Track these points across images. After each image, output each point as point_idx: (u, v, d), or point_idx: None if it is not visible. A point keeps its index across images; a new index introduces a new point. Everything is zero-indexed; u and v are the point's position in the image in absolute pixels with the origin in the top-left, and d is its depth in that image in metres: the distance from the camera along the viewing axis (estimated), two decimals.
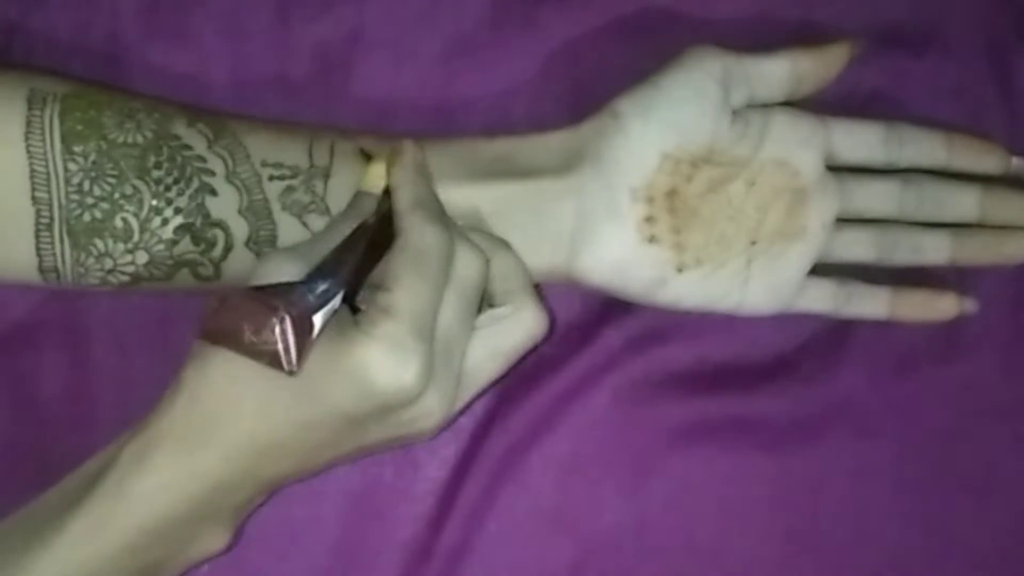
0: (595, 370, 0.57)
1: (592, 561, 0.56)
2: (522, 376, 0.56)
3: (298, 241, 0.49)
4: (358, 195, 0.48)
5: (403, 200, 0.46)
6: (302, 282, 0.43)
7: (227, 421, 0.43)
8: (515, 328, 0.47)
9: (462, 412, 0.48)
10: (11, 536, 0.45)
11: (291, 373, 0.41)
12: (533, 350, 0.48)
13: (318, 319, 0.42)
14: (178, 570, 0.47)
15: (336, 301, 0.43)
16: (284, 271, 0.44)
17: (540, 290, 0.49)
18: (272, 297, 0.41)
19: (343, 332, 0.43)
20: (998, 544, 0.58)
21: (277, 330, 0.41)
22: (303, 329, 0.41)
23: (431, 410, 0.45)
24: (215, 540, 0.47)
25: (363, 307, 0.44)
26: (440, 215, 0.47)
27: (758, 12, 0.57)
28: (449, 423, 0.47)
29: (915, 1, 0.58)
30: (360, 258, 0.45)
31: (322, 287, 0.43)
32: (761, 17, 0.57)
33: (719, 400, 0.57)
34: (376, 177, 0.48)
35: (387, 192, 0.48)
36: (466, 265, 0.46)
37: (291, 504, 0.55)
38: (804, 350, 0.57)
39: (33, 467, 0.55)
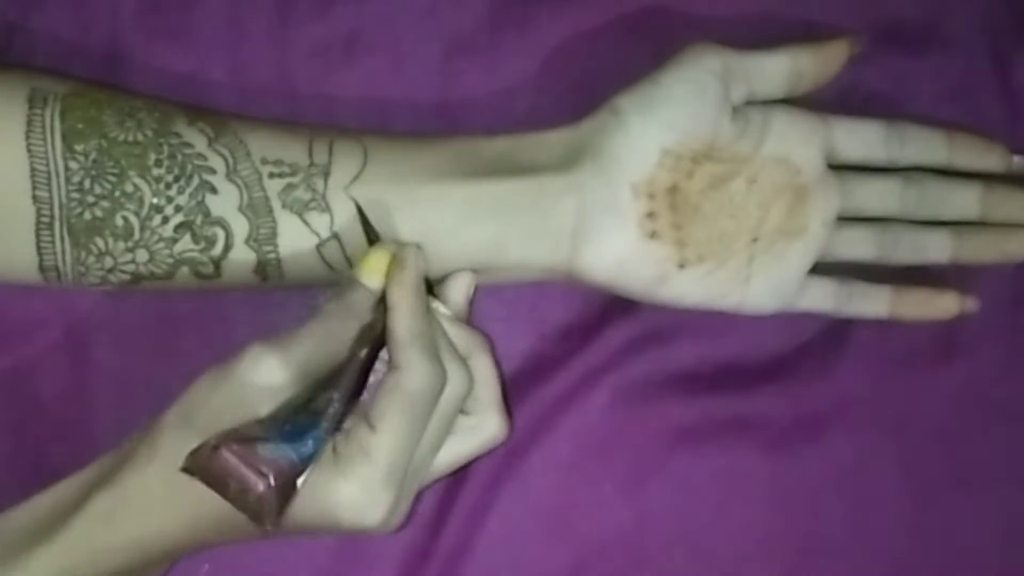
0: (595, 370, 0.57)
1: (592, 561, 0.56)
2: (522, 376, 0.56)
3: (278, 335, 0.47)
4: (352, 286, 0.48)
5: (400, 328, 0.46)
6: (292, 429, 0.44)
7: (198, 500, 0.44)
8: (477, 438, 0.49)
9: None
10: (24, 521, 0.46)
11: (270, 530, 0.43)
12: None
13: (301, 480, 0.43)
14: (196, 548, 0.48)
15: (321, 450, 0.44)
16: (267, 369, 0.44)
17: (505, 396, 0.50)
18: (260, 462, 0.42)
19: (320, 465, 0.44)
20: (997, 544, 0.58)
21: (262, 494, 0.42)
22: (286, 492, 0.43)
23: (384, 527, 0.46)
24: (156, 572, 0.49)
25: (345, 427, 0.45)
26: (434, 348, 0.47)
27: (758, 10, 0.57)
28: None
29: (916, 0, 0.58)
30: (353, 385, 0.46)
31: (310, 436, 0.43)
32: (761, 15, 0.58)
33: (719, 400, 0.57)
34: (376, 272, 0.48)
35: (382, 299, 0.48)
36: (453, 389, 0.47)
37: None
38: (804, 350, 0.57)
39: (33, 467, 0.55)
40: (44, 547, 0.45)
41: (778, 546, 0.57)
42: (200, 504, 0.44)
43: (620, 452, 0.57)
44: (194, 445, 0.42)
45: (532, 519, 0.56)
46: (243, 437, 0.42)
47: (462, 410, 0.48)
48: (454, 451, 0.48)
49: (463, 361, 0.48)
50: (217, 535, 0.46)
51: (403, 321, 0.46)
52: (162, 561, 0.48)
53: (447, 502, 0.56)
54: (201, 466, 0.42)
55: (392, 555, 0.56)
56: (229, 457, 0.42)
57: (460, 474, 0.51)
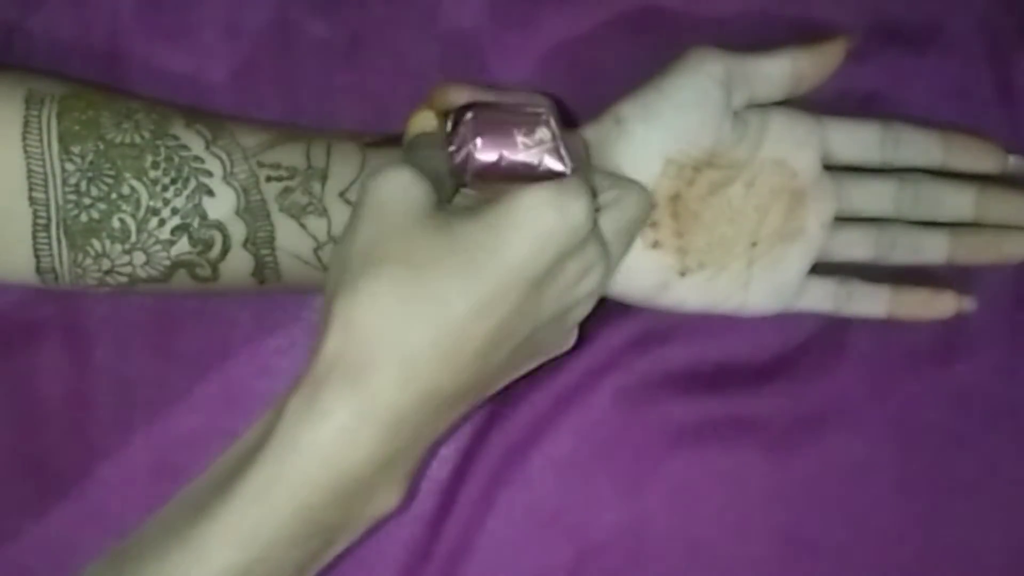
0: (595, 370, 0.57)
1: (592, 561, 0.57)
2: (522, 376, 0.56)
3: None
4: (418, 137, 0.46)
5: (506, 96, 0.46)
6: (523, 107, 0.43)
7: (398, 336, 0.40)
8: (630, 204, 0.47)
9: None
10: (172, 515, 0.42)
11: (572, 172, 0.42)
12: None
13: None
14: (354, 535, 0.44)
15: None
16: (403, 176, 0.42)
17: None
18: (521, 106, 0.42)
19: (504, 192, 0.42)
20: (995, 544, 0.58)
21: (547, 129, 0.41)
22: (560, 131, 0.42)
23: (596, 260, 0.44)
24: (390, 498, 0.44)
25: None
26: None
27: (756, 10, 0.58)
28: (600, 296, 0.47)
29: (915, 0, 0.58)
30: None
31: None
32: (759, 14, 0.58)
33: (719, 400, 0.57)
34: (425, 118, 0.46)
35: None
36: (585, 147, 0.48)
37: None
38: (804, 350, 0.58)
39: (33, 467, 0.55)
40: (246, 470, 0.40)
41: (777, 545, 0.57)
42: (402, 340, 0.40)
43: (620, 452, 0.57)
44: (364, 287, 0.40)
45: (532, 519, 0.57)
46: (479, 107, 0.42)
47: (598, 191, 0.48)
48: (617, 221, 0.47)
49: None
50: (434, 378, 0.41)
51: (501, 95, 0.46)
52: (387, 455, 0.41)
53: (447, 502, 0.56)
54: (478, 142, 0.41)
55: (392, 555, 0.57)
56: (493, 115, 0.41)
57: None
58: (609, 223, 0.46)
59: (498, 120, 0.41)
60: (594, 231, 0.44)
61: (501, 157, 0.41)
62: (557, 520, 0.57)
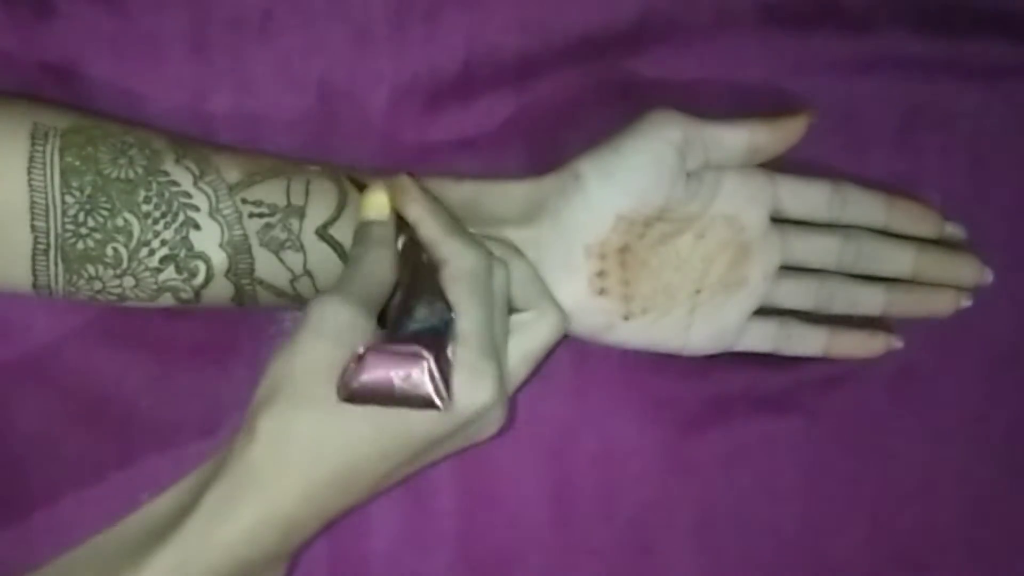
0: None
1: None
2: None
3: (330, 282, 0.51)
4: (369, 225, 0.50)
5: (433, 229, 0.49)
6: (417, 325, 0.46)
7: (308, 463, 0.45)
8: (541, 330, 0.51)
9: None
10: (82, 570, 0.47)
11: (445, 408, 0.44)
12: (552, 350, 0.52)
13: (450, 351, 0.45)
14: None
15: (454, 328, 0.46)
16: (342, 315, 0.46)
17: None
18: (406, 346, 0.44)
19: None
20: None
21: (427, 372, 0.43)
22: (444, 364, 0.44)
23: (498, 416, 0.48)
24: (276, 572, 0.49)
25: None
26: (469, 234, 0.50)
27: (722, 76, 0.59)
28: (506, 424, 0.50)
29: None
30: (413, 283, 0.48)
31: (431, 321, 0.46)
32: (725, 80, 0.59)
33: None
34: (379, 206, 0.50)
35: (399, 219, 0.50)
36: (499, 277, 0.50)
37: None
38: None
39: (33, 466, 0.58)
40: (158, 549, 0.45)
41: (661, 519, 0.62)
42: (311, 467, 0.45)
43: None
44: (289, 413, 0.44)
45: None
46: (373, 344, 0.44)
47: (517, 308, 0.51)
48: (523, 347, 0.50)
49: (499, 255, 0.50)
50: (331, 499, 0.47)
51: (432, 224, 0.49)
52: (279, 551, 0.47)
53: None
54: (356, 381, 0.43)
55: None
56: (377, 355, 0.43)
57: (538, 373, 0.53)
58: (518, 349, 0.50)
59: (383, 360, 0.43)
60: (503, 397, 0.48)
61: (376, 394, 0.44)
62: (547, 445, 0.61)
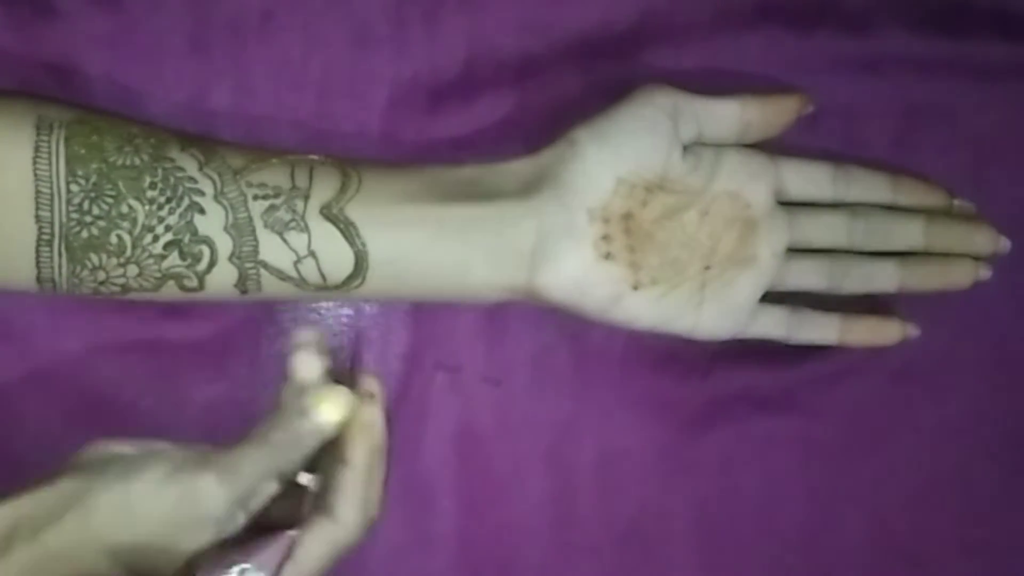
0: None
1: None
2: None
3: (208, 453, 0.47)
4: (303, 420, 0.47)
5: (355, 490, 0.47)
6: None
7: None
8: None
9: None
10: None
11: None
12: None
13: None
14: None
15: None
16: (211, 497, 0.45)
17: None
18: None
19: None
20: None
21: None
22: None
23: None
24: None
25: None
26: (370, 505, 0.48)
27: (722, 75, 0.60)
28: None
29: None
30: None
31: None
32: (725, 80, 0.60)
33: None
34: (332, 410, 0.47)
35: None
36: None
37: None
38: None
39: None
40: None
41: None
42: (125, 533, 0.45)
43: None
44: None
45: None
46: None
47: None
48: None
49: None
50: None
51: (358, 484, 0.47)
52: None
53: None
54: None
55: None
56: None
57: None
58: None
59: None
60: None
61: None
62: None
